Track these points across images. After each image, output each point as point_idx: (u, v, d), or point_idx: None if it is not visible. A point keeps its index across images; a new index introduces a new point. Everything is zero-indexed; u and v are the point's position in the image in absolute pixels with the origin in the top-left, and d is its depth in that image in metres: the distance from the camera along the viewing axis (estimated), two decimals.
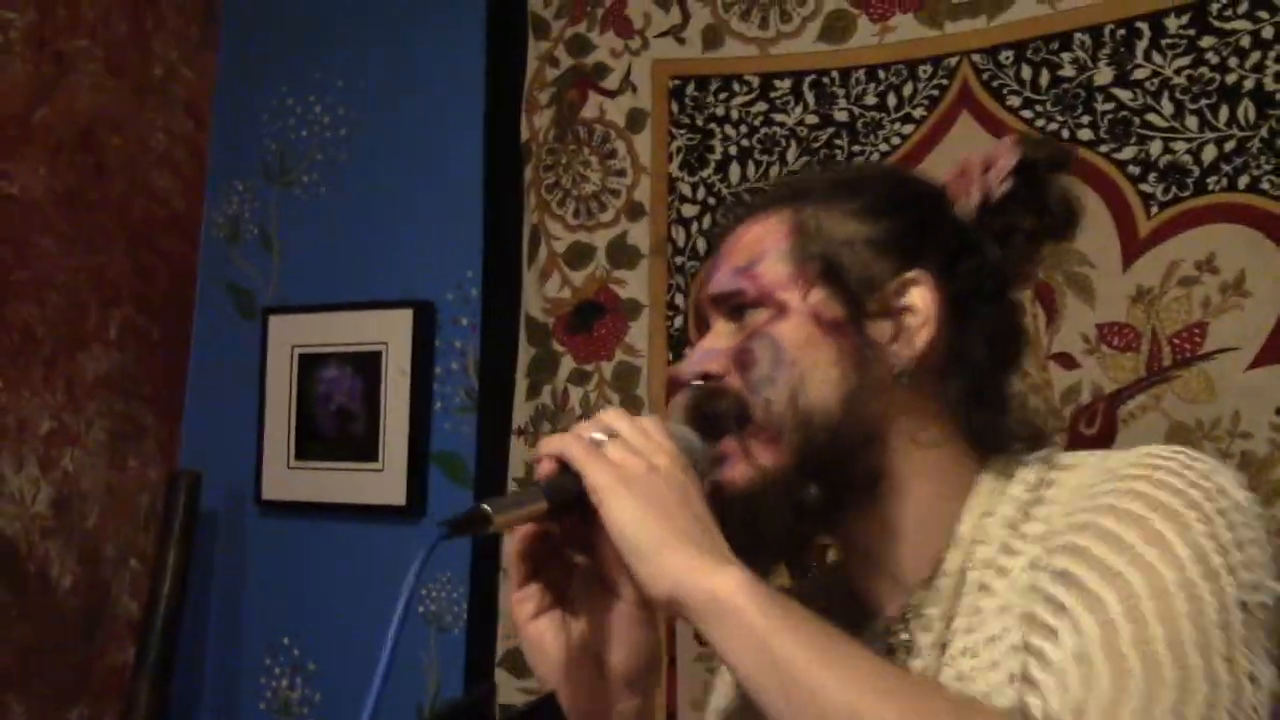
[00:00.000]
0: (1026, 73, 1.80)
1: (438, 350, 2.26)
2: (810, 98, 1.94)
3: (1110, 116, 1.74)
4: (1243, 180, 1.64)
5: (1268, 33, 1.65)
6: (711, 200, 2.01)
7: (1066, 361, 1.74)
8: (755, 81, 1.98)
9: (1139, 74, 1.73)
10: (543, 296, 2.13)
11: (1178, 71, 1.70)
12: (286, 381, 2.35)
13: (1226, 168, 1.66)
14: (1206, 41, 1.69)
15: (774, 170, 1.96)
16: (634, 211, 2.08)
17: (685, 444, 0.90)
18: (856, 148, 1.91)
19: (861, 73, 1.90)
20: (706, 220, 2.01)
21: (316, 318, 2.34)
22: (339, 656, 2.31)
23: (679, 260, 2.04)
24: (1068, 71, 1.77)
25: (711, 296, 0.98)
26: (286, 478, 2.34)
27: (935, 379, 0.93)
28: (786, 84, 1.96)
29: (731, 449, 0.92)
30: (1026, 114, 1.79)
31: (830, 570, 1.05)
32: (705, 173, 2.02)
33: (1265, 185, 1.63)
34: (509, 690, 2.08)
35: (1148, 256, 1.70)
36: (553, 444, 0.86)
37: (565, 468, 0.85)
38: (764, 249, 0.95)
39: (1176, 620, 0.75)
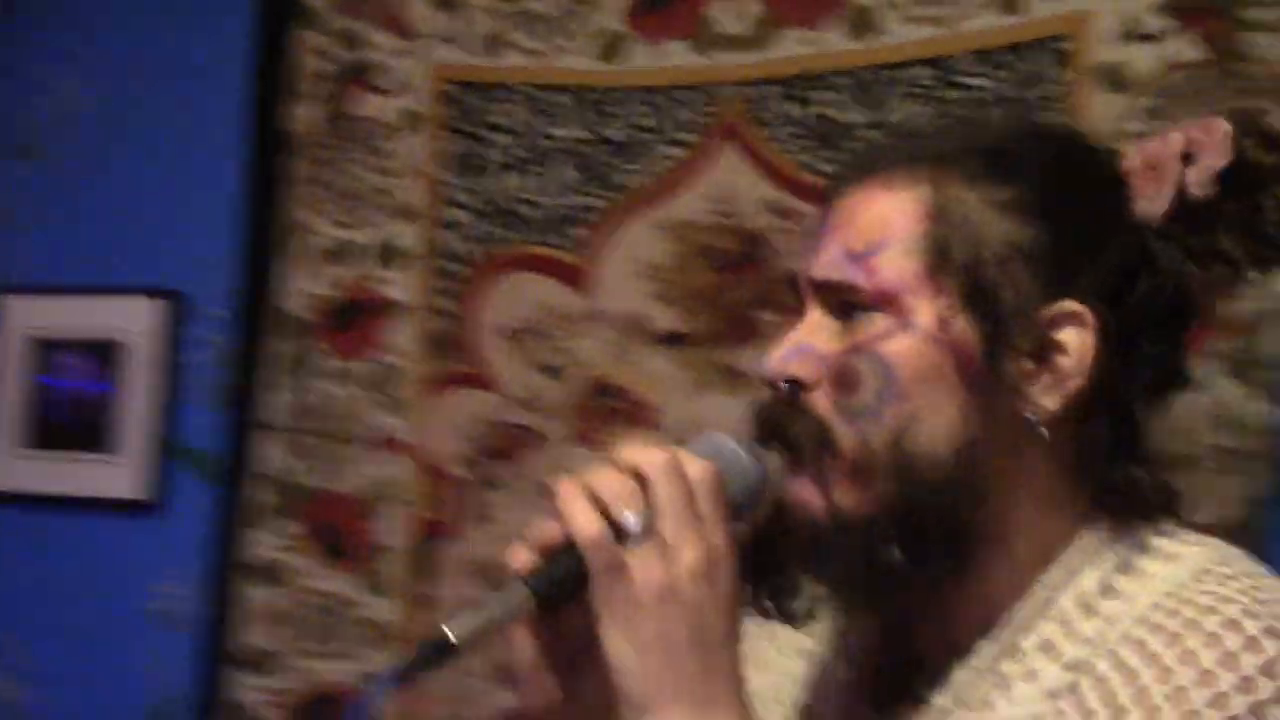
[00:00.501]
0: (794, 111, 1.91)
1: (187, 341, 2.20)
2: (585, 114, 1.99)
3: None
4: None
5: (1004, 91, 1.82)
6: (482, 207, 2.03)
7: None
8: (532, 92, 2.02)
9: (892, 118, 1.86)
10: (304, 292, 2.10)
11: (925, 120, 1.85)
12: (20, 366, 2.23)
13: None
14: (951, 94, 1.84)
15: (546, 183, 2.01)
16: (403, 213, 2.08)
17: (734, 467, 0.76)
18: (630, 167, 1.98)
19: (635, 93, 1.97)
20: (477, 227, 2.03)
21: (56, 301, 2.23)
22: (63, 655, 2.20)
23: (447, 265, 2.05)
24: (831, 112, 1.89)
25: (817, 281, 0.80)
26: (15, 468, 2.22)
27: (1071, 429, 0.77)
28: (564, 98, 2.01)
29: (802, 474, 0.77)
30: (790, 148, 1.91)
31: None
32: (478, 179, 2.04)
33: None
34: (241, 688, 2.04)
35: None
36: (569, 510, 0.71)
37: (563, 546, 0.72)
38: (890, 234, 0.77)
39: None
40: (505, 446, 2.00)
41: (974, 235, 0.76)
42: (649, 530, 0.71)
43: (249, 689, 2.04)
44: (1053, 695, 0.73)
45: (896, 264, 0.76)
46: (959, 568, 0.76)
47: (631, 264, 1.97)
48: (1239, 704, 0.67)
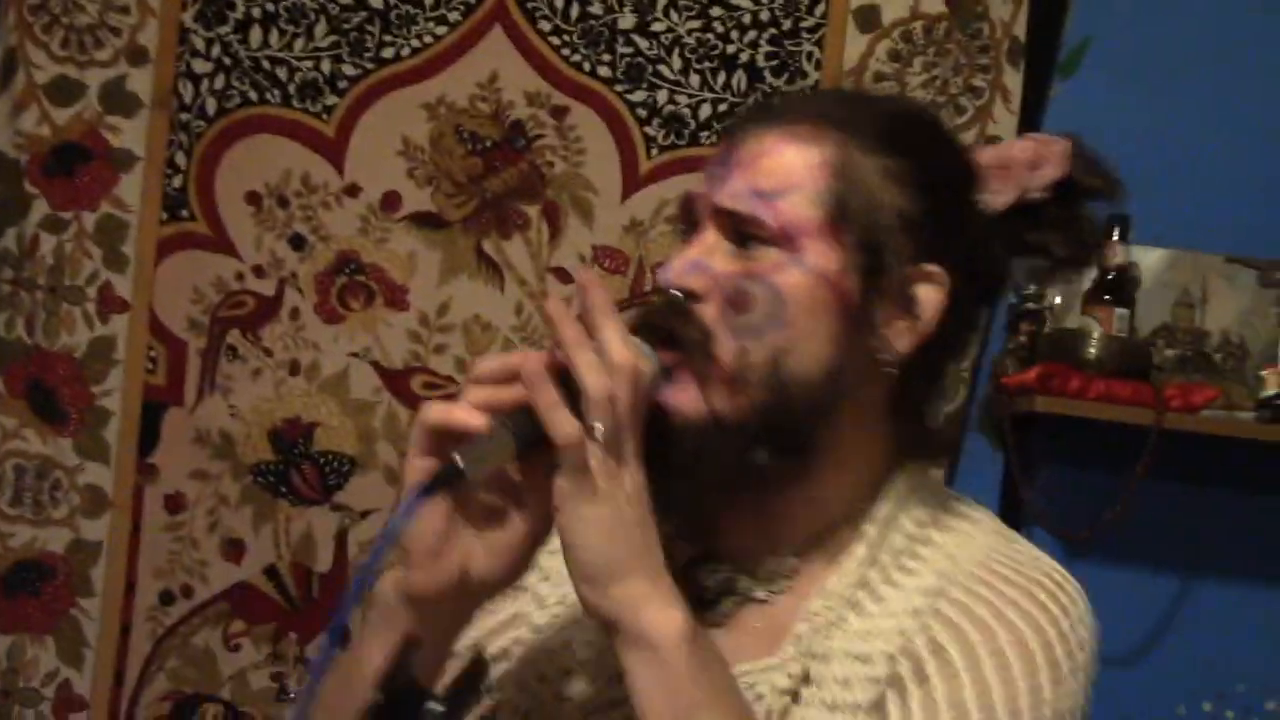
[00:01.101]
0: (560, 2, 1.92)
1: None
2: None
3: (628, 60, 1.92)
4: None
5: (764, 15, 1.91)
6: (226, 60, 1.93)
7: (563, 277, 1.92)
8: None
9: (657, 26, 1.92)
10: (14, 130, 1.93)
11: (689, 32, 1.91)
12: None
13: (717, 126, 1.90)
14: (716, 11, 1.91)
15: (298, 43, 1.93)
16: (136, 55, 1.93)
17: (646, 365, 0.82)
18: (388, 37, 1.93)
19: None
20: (219, 80, 1.93)
21: None
22: None
23: (184, 117, 1.94)
24: (596, 9, 1.92)
25: (721, 209, 0.86)
26: None
27: (905, 375, 0.88)
28: None
29: (683, 373, 0.84)
30: (555, 40, 1.92)
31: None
32: (223, 29, 1.93)
33: None
34: None
35: (643, 193, 1.91)
36: (551, 414, 0.77)
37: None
38: (796, 181, 0.85)
39: None
40: (242, 315, 1.95)
41: (868, 197, 0.86)
42: (611, 437, 0.78)
43: None
44: (916, 613, 0.86)
45: (800, 209, 0.85)
46: (805, 475, 0.87)
47: (386, 139, 1.94)
48: (1057, 640, 0.85)
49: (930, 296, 0.87)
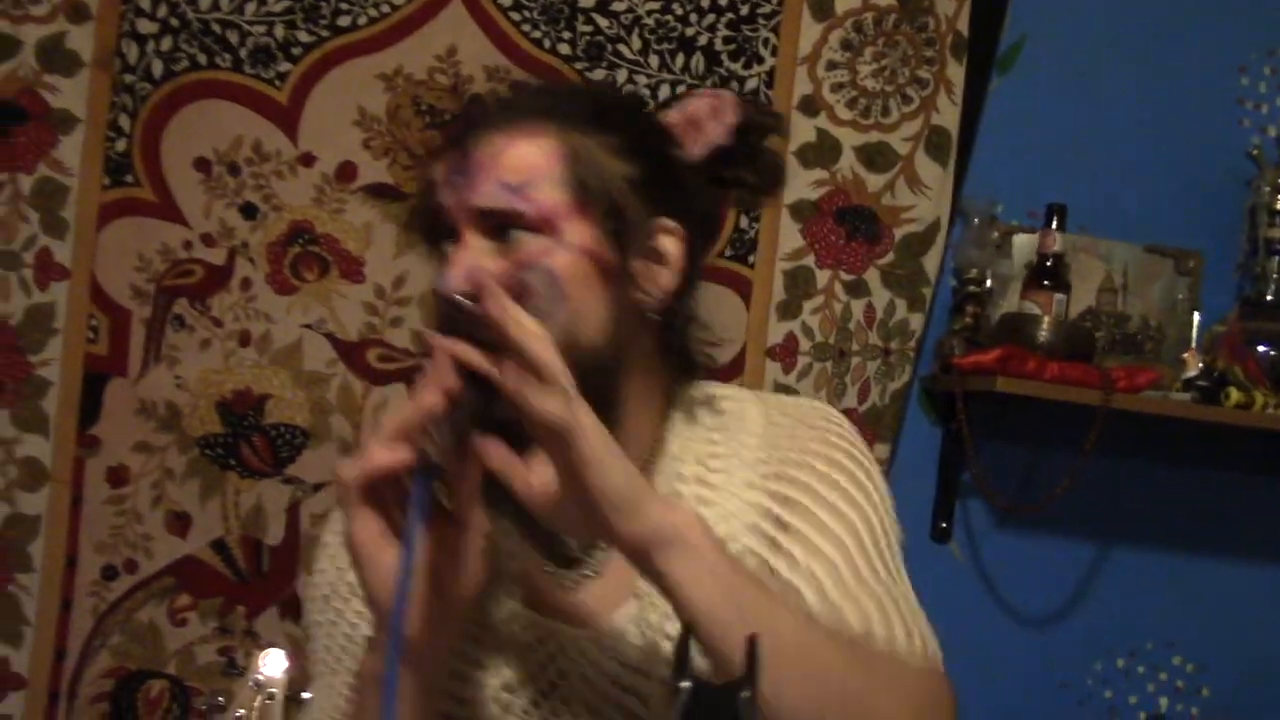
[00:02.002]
0: None
1: None
2: None
3: (588, 38, 1.94)
4: None
5: (723, 1, 1.95)
6: (174, 21, 1.87)
7: None
8: None
9: (617, 6, 1.94)
10: None
11: (649, 13, 1.94)
12: None
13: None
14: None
15: (249, 7, 1.89)
16: (76, 12, 1.86)
17: None
18: (345, 5, 1.90)
19: None
20: (165, 42, 1.87)
21: None
22: None
23: (128, 79, 1.87)
24: None
25: (477, 209, 0.94)
26: None
27: (664, 314, 0.99)
28: None
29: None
30: (515, 16, 1.93)
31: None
32: None
33: None
34: None
35: None
36: (548, 404, 0.84)
37: (474, 387, 0.85)
38: (538, 172, 0.94)
39: (880, 549, 1.00)
40: (190, 284, 1.90)
41: (600, 172, 0.96)
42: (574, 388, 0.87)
43: None
44: (749, 486, 1.00)
45: (549, 194, 0.94)
46: (611, 428, 0.91)
47: (342, 109, 1.92)
48: (876, 471, 1.04)
49: (671, 246, 0.98)
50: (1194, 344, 1.92)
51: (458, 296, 0.91)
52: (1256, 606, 2.05)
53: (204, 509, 1.91)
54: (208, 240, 1.90)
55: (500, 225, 0.94)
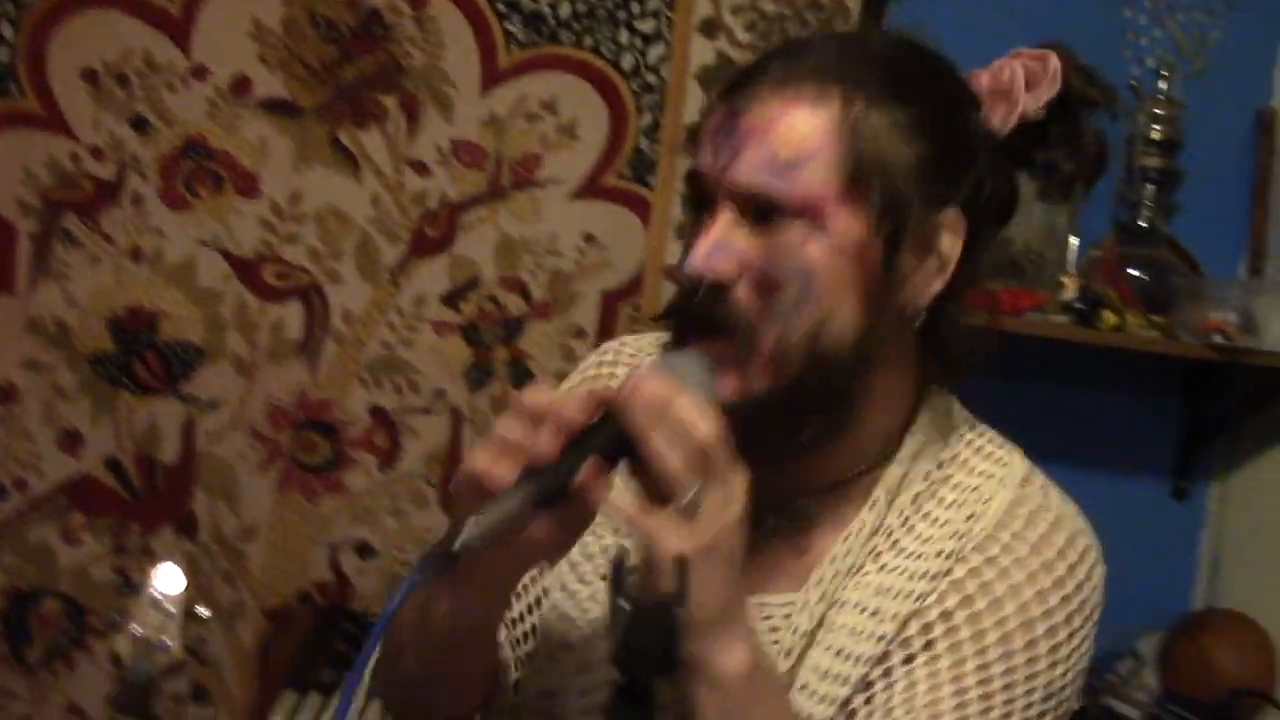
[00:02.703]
0: None
1: None
2: None
3: None
4: (588, 40, 1.94)
5: None
6: None
7: (420, 169, 1.92)
8: None
9: None
10: None
11: None
12: None
13: (577, 25, 1.94)
14: None
15: None
16: None
17: (705, 388, 0.84)
18: None
19: None
20: None
21: None
22: None
23: None
24: None
25: (738, 186, 0.86)
26: None
27: (928, 315, 0.89)
28: None
29: (725, 360, 0.86)
30: None
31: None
32: None
33: (603, 49, 1.94)
34: None
35: (503, 88, 1.93)
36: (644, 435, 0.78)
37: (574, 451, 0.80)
38: (813, 148, 0.85)
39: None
40: (79, 199, 1.86)
41: (882, 155, 0.86)
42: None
43: None
44: (929, 577, 0.88)
45: (820, 177, 0.85)
46: (841, 426, 0.89)
47: (235, 20, 1.88)
48: (1074, 596, 0.89)
49: (950, 242, 0.87)
50: (1071, 268, 1.99)
51: (699, 277, 0.85)
52: (1123, 520, 2.16)
53: (96, 427, 1.89)
54: (96, 154, 1.86)
55: (764, 210, 0.86)
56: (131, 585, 1.89)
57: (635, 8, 1.95)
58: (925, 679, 0.86)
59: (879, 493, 0.92)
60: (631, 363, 1.02)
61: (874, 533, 0.91)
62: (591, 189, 1.95)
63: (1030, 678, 0.87)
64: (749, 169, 0.86)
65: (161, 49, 1.86)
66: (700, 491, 0.79)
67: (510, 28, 1.93)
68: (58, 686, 1.89)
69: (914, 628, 0.88)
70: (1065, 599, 0.88)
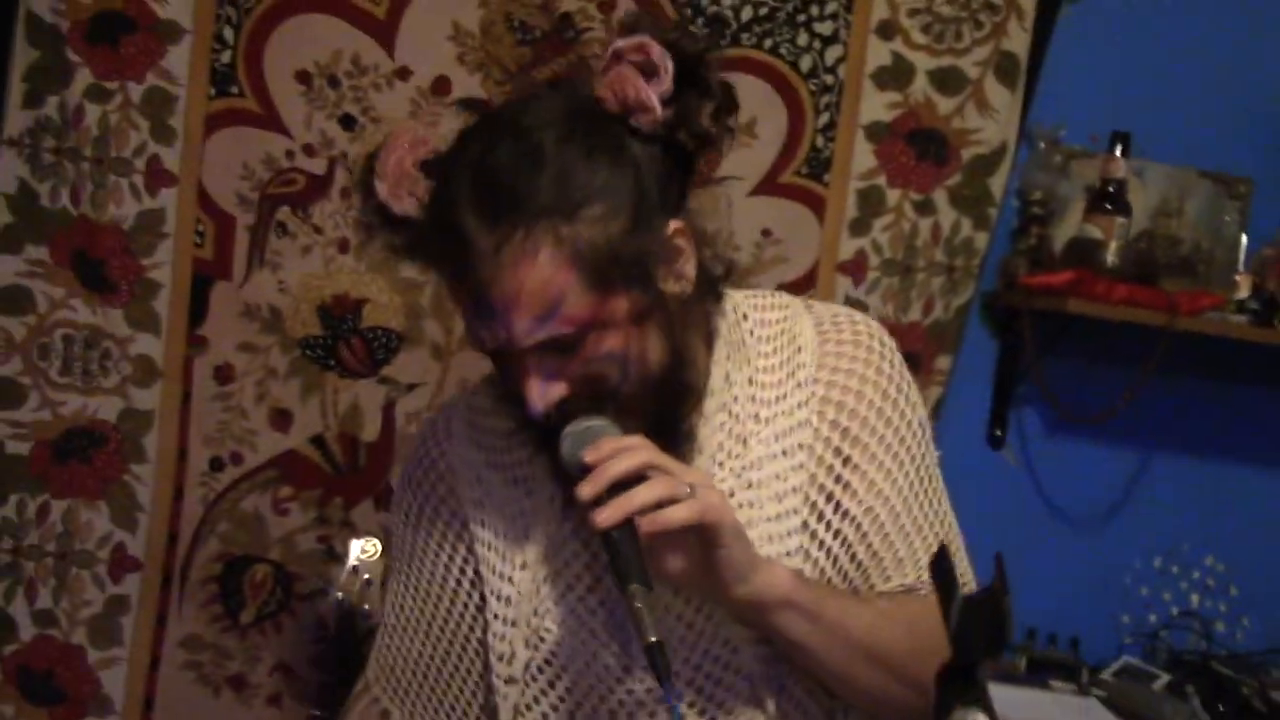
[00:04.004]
0: None
1: None
2: None
3: None
4: (768, 42, 2.01)
5: None
6: None
7: None
8: None
9: None
10: None
11: None
12: None
13: (758, 29, 2.01)
14: None
15: None
16: None
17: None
18: None
19: None
20: None
21: None
22: None
23: None
24: None
25: (526, 347, 1.03)
26: None
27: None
28: None
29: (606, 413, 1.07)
30: None
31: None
32: None
33: (783, 50, 2.02)
34: None
35: None
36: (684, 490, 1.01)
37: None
38: (558, 289, 1.00)
39: (930, 486, 1.15)
40: (292, 192, 1.99)
41: (602, 250, 1.01)
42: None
43: None
44: (803, 405, 1.12)
45: (579, 302, 1.01)
46: (694, 393, 1.12)
47: (436, 24, 1.98)
48: (894, 358, 1.16)
49: (682, 234, 1.06)
50: (1242, 266, 2.03)
51: (548, 411, 1.05)
52: None
53: (304, 406, 2.02)
54: (309, 150, 1.98)
55: (551, 346, 1.03)
56: (334, 554, 2.02)
57: (815, 10, 2.01)
58: (858, 480, 1.11)
59: (710, 431, 1.13)
60: (462, 431, 1.25)
61: (728, 414, 1.12)
62: (769, 186, 2.03)
63: (909, 425, 1.13)
64: (525, 334, 1.03)
65: (369, 51, 1.97)
66: (693, 490, 1.01)
67: (694, 32, 2.00)
68: (267, 646, 2.04)
69: (821, 448, 1.11)
70: (897, 365, 1.15)
